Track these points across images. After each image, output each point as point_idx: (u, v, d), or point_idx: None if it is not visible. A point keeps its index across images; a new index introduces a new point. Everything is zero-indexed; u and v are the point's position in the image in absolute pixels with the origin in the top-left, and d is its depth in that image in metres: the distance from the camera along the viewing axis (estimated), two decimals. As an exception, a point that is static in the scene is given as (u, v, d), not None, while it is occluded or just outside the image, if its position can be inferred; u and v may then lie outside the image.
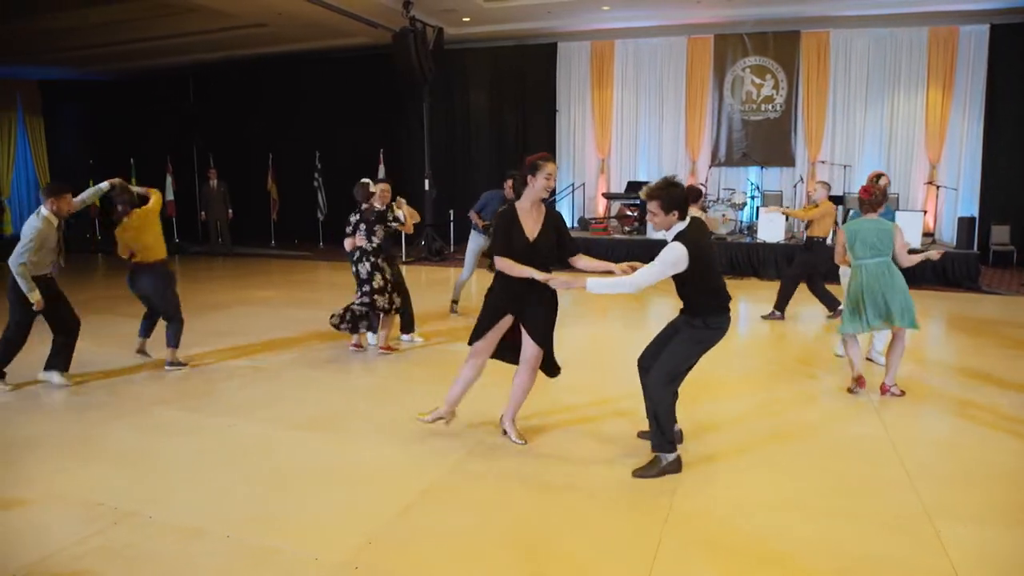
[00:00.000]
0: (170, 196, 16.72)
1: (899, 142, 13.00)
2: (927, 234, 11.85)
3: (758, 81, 13.55)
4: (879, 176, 6.23)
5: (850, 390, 5.39)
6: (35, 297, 5.40)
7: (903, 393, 5.29)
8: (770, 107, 13.54)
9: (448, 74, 14.90)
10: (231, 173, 15.83)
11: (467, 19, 13.63)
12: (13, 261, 5.36)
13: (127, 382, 5.79)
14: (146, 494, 3.74)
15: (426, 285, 11.08)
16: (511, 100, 15.48)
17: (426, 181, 13.96)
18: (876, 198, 5.24)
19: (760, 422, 4.83)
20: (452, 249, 14.26)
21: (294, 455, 4.30)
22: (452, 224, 14.34)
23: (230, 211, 15.11)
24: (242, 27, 13.76)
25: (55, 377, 5.68)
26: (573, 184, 14.68)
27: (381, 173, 14.80)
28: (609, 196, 14.12)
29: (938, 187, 12.44)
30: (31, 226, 5.40)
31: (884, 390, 5.31)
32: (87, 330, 7.65)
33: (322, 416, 4.97)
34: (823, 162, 13.17)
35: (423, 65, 12.84)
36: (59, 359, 5.71)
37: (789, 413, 5.05)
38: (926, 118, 12.70)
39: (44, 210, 5.47)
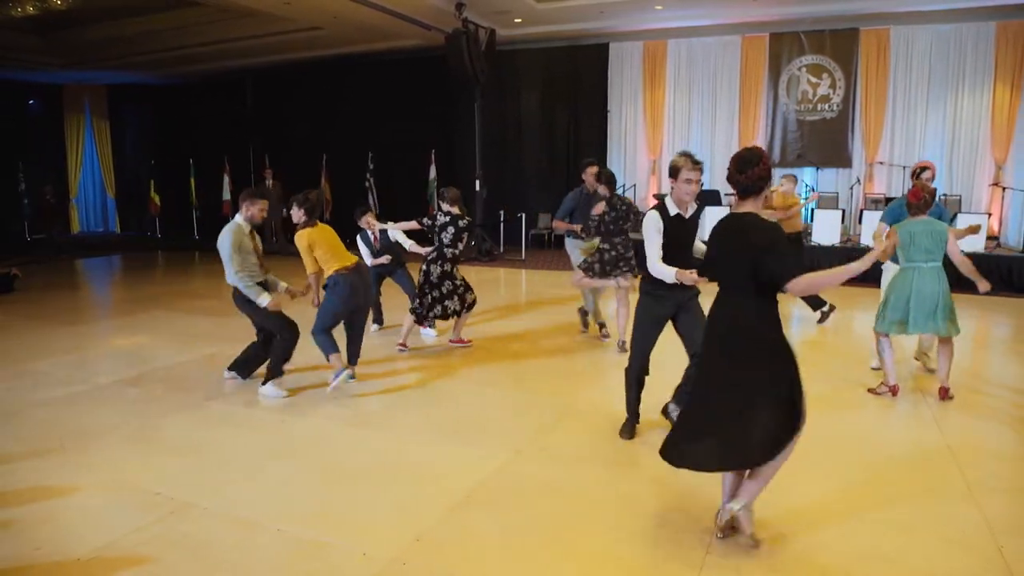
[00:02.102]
0: (227, 196, 17.19)
1: (962, 142, 12.54)
2: (991, 237, 11.43)
3: (814, 80, 13.25)
4: (923, 168, 5.89)
5: (872, 390, 5.37)
6: (264, 300, 5.32)
7: (952, 397, 5.22)
8: (827, 107, 13.23)
9: (500, 75, 14.95)
10: (285, 173, 16.17)
11: (519, 20, 13.65)
12: (231, 280, 5.31)
13: (185, 377, 5.96)
14: (202, 486, 3.86)
15: (476, 285, 11.13)
16: (563, 101, 15.46)
17: (477, 182, 14.03)
18: (925, 200, 5.07)
19: (810, 427, 4.71)
20: (502, 249, 14.30)
21: (345, 451, 4.37)
22: (502, 225, 14.39)
23: (284, 210, 15.41)
24: (298, 31, 14.06)
25: (268, 390, 5.44)
26: (624, 185, 14.58)
27: (432, 174, 14.96)
28: (660, 197, 13.94)
29: (1004, 189, 11.99)
30: (223, 238, 5.25)
31: (944, 393, 5.21)
32: (149, 326, 7.93)
33: (373, 413, 5.05)
34: (881, 163, 12.82)
35: (475, 66, 12.91)
36: (268, 366, 5.48)
37: (841, 418, 4.92)
38: (992, 117, 12.23)
39: (238, 217, 5.39)
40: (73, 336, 7.49)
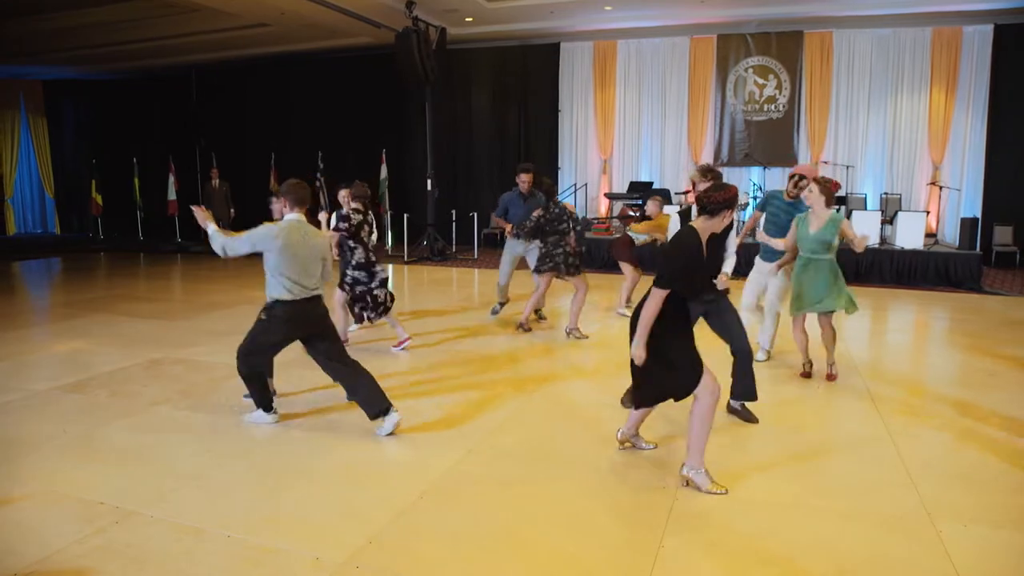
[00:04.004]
0: (172, 196, 16.78)
1: (902, 142, 12.99)
2: (929, 235, 11.84)
3: (761, 81, 13.53)
4: (802, 177, 5.85)
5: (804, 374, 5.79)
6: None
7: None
8: (773, 107, 13.53)
9: (451, 74, 14.91)
10: (233, 172, 15.86)
11: (470, 19, 13.63)
12: None
13: (129, 382, 5.79)
14: (147, 494, 3.74)
15: (428, 284, 11.10)
16: (514, 100, 15.49)
17: (428, 181, 13.97)
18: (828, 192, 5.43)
19: (757, 416, 4.82)
20: (454, 249, 14.27)
21: (295, 455, 4.30)
22: (454, 224, 14.34)
23: (232, 210, 15.14)
24: (245, 27, 13.79)
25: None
26: (575, 184, 14.68)
27: (383, 173, 14.82)
28: (611, 196, 14.11)
29: (941, 188, 12.43)
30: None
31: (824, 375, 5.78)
32: (90, 330, 7.69)
33: (322, 416, 4.97)
34: (826, 162, 13.16)
35: (425, 65, 12.84)
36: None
37: (785, 411, 5.03)
38: (929, 118, 12.68)
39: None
40: (7, 342, 7.19)
